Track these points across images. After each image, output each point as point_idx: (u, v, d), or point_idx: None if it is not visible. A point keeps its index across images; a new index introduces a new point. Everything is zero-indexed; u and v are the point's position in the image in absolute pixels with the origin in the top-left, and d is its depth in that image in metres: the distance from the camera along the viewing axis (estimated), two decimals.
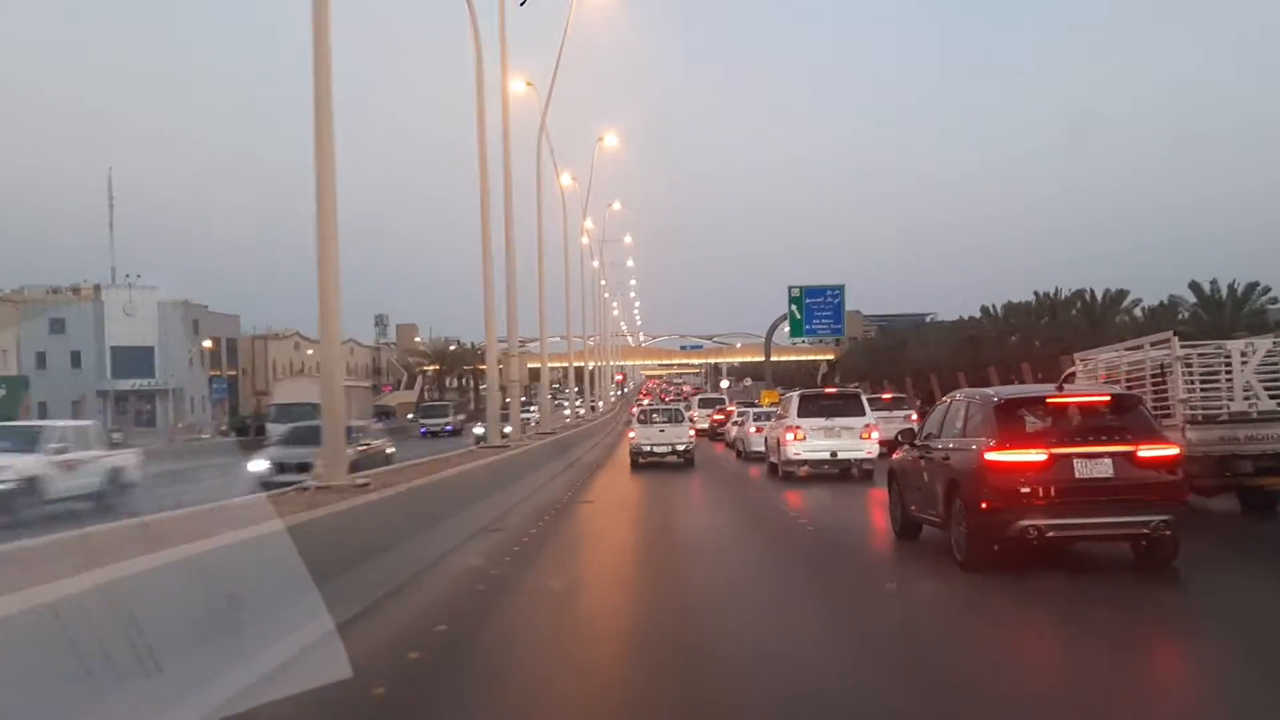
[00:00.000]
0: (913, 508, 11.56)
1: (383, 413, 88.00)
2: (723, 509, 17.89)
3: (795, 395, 23.09)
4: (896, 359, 74.87)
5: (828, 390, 23.55)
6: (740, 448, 32.38)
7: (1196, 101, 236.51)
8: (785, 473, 22.62)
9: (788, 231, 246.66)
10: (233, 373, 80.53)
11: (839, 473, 22.33)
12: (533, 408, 46.37)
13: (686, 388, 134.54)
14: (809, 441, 22.15)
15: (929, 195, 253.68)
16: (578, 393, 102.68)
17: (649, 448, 26.50)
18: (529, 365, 28.10)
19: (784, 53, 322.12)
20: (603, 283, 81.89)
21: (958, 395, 11.48)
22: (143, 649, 4.47)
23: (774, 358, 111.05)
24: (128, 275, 70.13)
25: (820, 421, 22.21)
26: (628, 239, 72.04)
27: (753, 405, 44.35)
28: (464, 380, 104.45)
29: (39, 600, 4.01)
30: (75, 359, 67.62)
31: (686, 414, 31.04)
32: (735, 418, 37.07)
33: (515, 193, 22.34)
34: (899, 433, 13.17)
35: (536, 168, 27.10)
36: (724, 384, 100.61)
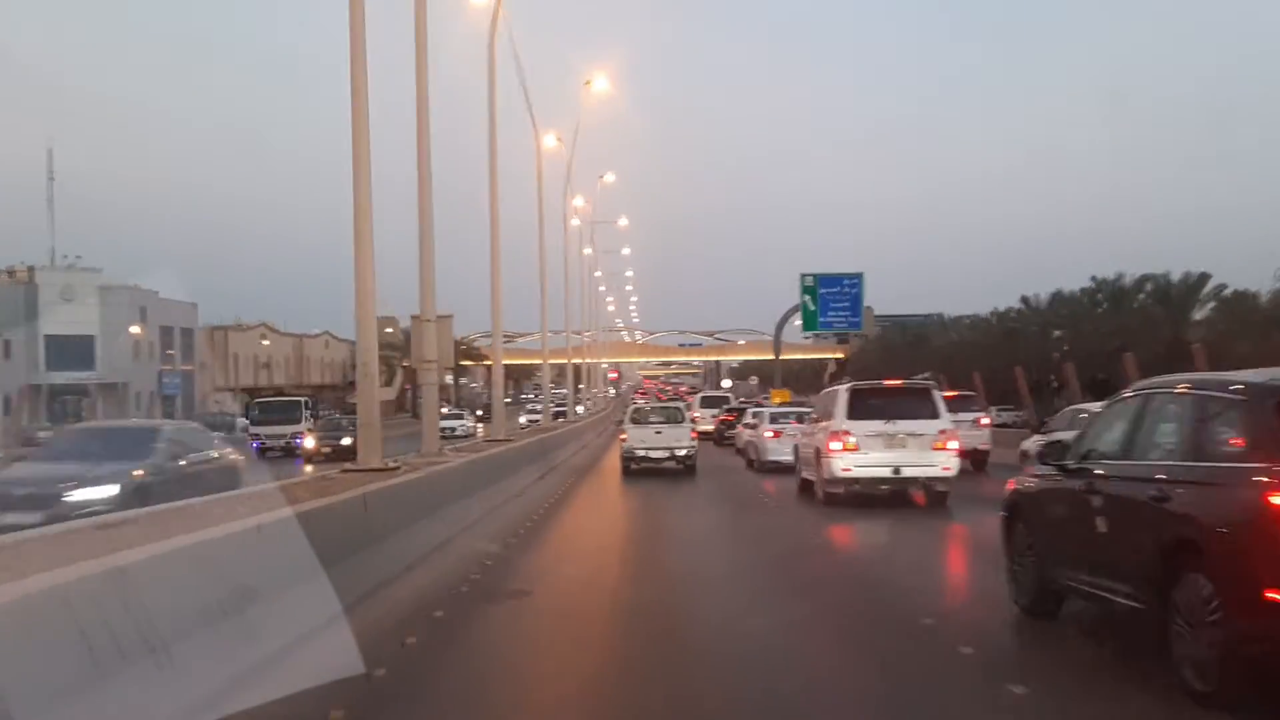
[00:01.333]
0: (1061, 572, 7.29)
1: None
2: (761, 583, 9.86)
3: (844, 389, 16.24)
4: (916, 357, 68.09)
5: (888, 383, 16.68)
6: (753, 455, 25.86)
7: (1227, 83, 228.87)
8: (828, 495, 15.86)
9: (792, 226, 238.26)
10: (189, 366, 73.57)
11: (889, 493, 15.96)
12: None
13: (683, 388, 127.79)
14: (863, 453, 15.45)
15: (937, 192, 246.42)
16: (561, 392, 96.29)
17: (643, 452, 22.68)
18: (498, 360, 20.92)
19: (789, 45, 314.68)
20: (598, 274, 75.78)
21: (1143, 385, 7.20)
22: (150, 633, 4.40)
23: (767, 356, 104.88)
24: (65, 256, 63.18)
25: (878, 426, 15.53)
26: (623, 221, 64.96)
27: (766, 405, 37.82)
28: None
29: (49, 584, 4.00)
30: (5, 349, 60.57)
31: (687, 414, 25.89)
32: (747, 419, 30.36)
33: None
34: (1043, 447, 8.81)
35: (490, 85, 20.20)
36: (726, 383, 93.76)
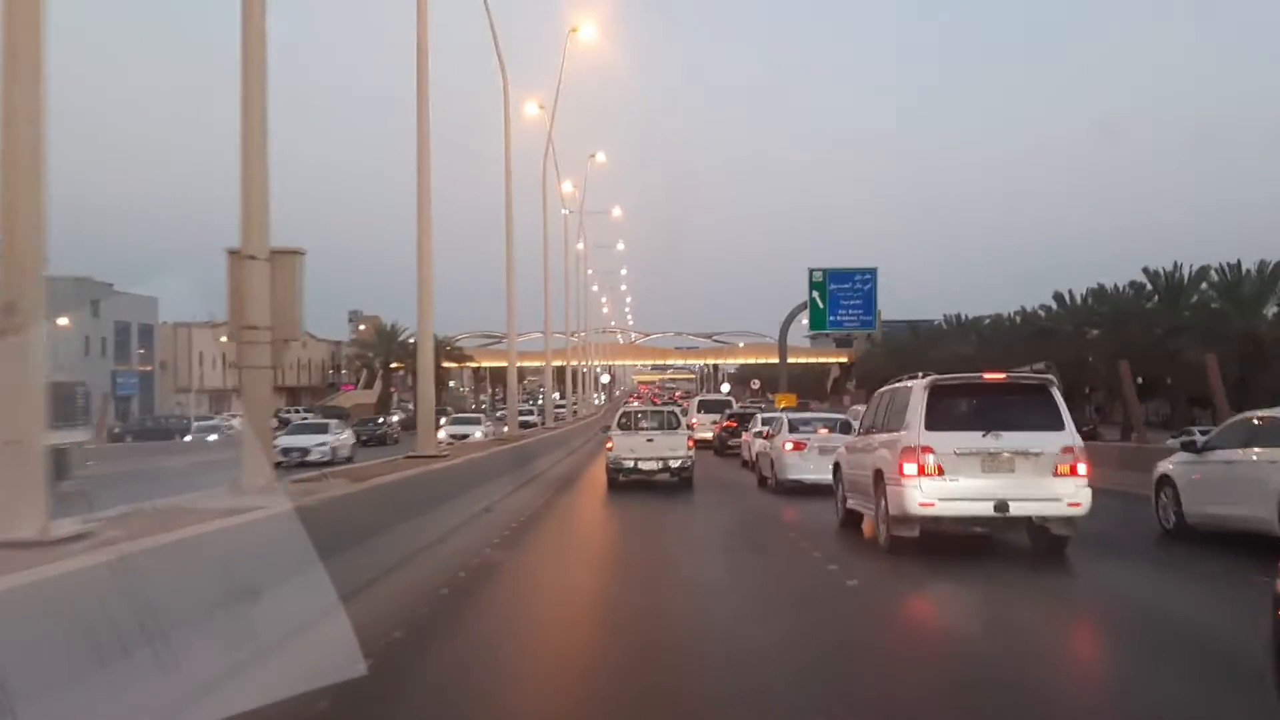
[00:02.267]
0: None
1: (335, 416, 75.30)
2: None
3: (919, 385, 10.99)
4: (933, 360, 62.68)
5: (987, 377, 11.33)
6: (767, 472, 20.92)
7: (1217, 100, 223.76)
8: (895, 539, 10.81)
9: (793, 227, 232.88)
10: (147, 366, 68.27)
11: (971, 532, 11.07)
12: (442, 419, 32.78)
13: (678, 394, 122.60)
14: (951, 479, 10.44)
15: (938, 198, 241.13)
16: (532, 397, 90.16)
17: (632, 463, 19.79)
18: (425, 356, 15.41)
19: (794, 45, 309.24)
20: (590, 272, 70.40)
21: None
22: (150, 623, 4.38)
23: (769, 359, 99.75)
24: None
25: (973, 440, 10.51)
26: (617, 211, 59.80)
27: (774, 410, 33.06)
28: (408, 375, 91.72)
29: (50, 573, 3.95)
30: None
31: (684, 419, 22.04)
32: (756, 426, 25.49)
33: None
34: None
35: None
36: (724, 388, 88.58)
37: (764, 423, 25.82)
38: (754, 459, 24.85)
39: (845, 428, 20.23)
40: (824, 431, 20.04)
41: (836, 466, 13.83)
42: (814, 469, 18.96)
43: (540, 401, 60.98)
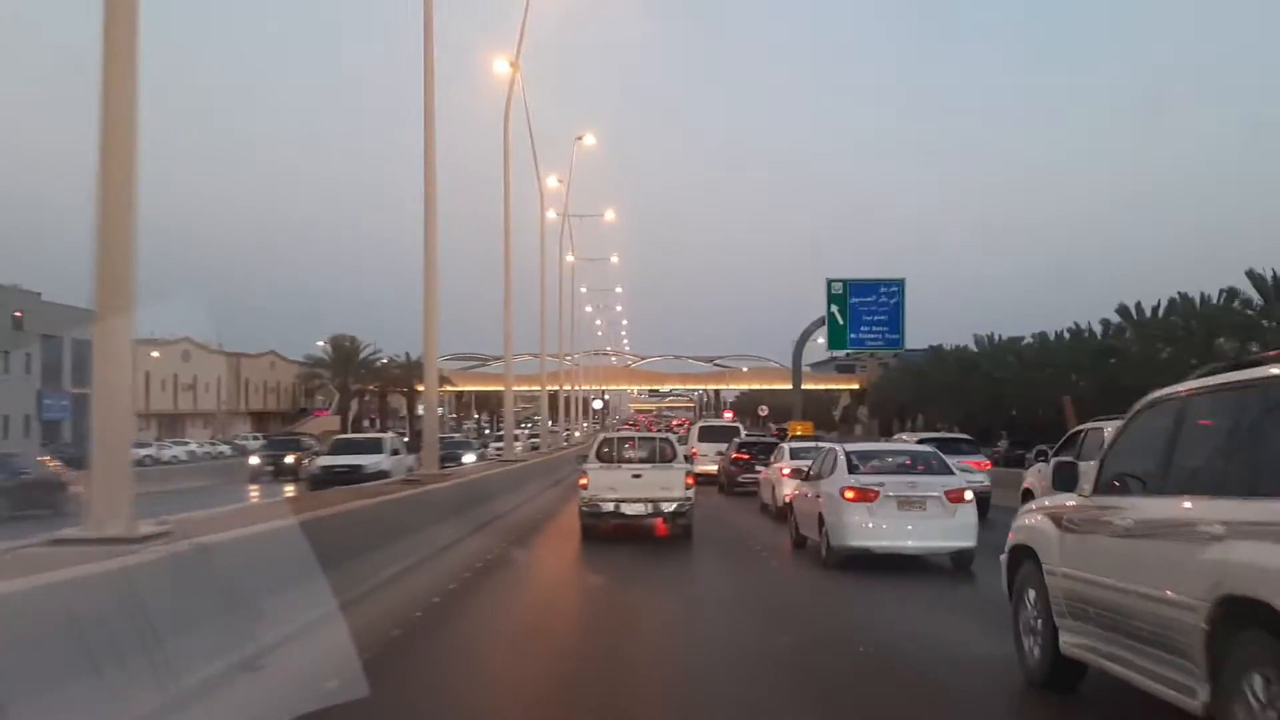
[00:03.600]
0: None
1: (292, 442, 67.05)
2: None
3: None
4: (959, 388, 55.69)
5: None
6: (811, 532, 13.86)
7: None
8: None
9: (796, 249, 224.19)
10: (82, 389, 60.93)
11: None
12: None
13: (675, 421, 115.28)
14: None
15: (950, 213, 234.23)
16: (476, 430, 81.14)
17: (612, 505, 15.81)
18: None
19: (805, 59, 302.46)
20: (584, 290, 63.39)
21: None
22: (147, 632, 4.55)
23: (774, 385, 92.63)
24: None
25: None
26: (610, 214, 52.65)
27: (805, 439, 26.25)
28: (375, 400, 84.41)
29: (49, 581, 4.06)
30: None
31: (680, 450, 17.47)
32: (784, 459, 18.92)
33: None
34: None
35: None
36: (727, 416, 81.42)
37: (794, 455, 18.91)
38: (777, 502, 18.14)
39: (941, 467, 13.16)
40: (902, 472, 13.03)
41: (1020, 555, 6.52)
42: (890, 532, 12.35)
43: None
